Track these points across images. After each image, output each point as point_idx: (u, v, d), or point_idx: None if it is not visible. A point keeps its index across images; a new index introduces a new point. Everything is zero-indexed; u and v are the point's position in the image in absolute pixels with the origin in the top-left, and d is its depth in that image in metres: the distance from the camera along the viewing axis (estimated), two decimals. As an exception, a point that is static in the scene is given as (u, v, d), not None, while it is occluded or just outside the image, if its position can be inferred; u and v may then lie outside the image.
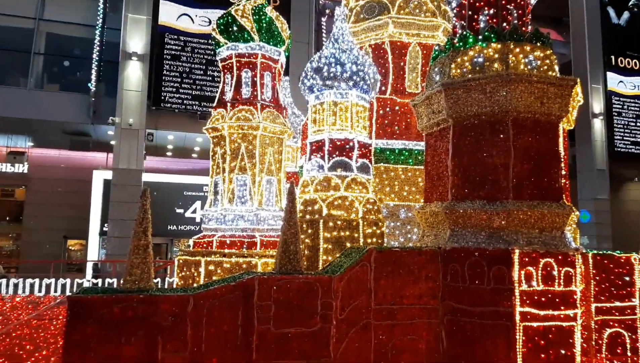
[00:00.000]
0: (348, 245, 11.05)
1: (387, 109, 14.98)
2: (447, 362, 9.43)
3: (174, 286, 16.20)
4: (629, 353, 10.33)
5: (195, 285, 11.17)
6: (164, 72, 28.82)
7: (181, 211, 29.91)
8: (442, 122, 10.92)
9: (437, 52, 11.72)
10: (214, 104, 13.58)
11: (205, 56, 29.27)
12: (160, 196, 28.02)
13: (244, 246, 11.90)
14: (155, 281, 16.54)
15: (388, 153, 14.62)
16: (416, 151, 14.43)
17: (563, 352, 8.85)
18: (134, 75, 27.39)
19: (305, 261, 11.02)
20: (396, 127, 14.80)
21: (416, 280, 9.70)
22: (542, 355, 8.78)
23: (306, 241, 11.27)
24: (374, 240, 11.59)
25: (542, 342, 8.81)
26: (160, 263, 26.78)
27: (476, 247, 9.55)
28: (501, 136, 9.98)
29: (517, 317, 8.83)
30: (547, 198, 9.68)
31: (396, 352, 9.26)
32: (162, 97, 28.62)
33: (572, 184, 41.68)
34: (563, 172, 10.11)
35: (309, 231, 11.29)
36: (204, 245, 12.24)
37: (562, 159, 10.12)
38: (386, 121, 14.96)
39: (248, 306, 8.34)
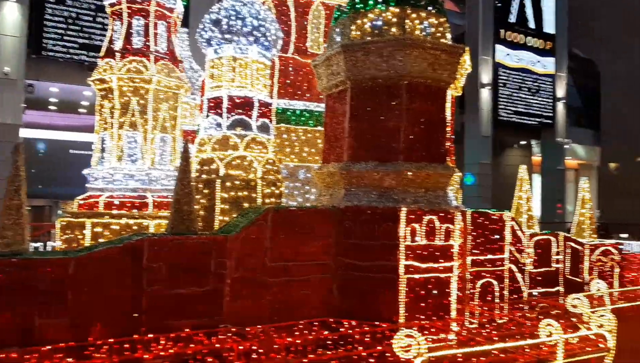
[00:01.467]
0: (246, 205, 10.98)
1: (289, 68, 14.82)
2: (340, 316, 9.90)
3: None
4: (497, 300, 11.61)
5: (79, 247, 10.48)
6: (46, 16, 25.85)
7: (67, 171, 27.65)
8: (340, 84, 11.04)
9: (338, 13, 11.71)
10: (101, 54, 12.48)
11: (94, 0, 26.68)
12: (43, 154, 25.62)
13: (135, 207, 11.34)
14: (35, 245, 15.28)
15: (289, 113, 14.57)
16: (317, 113, 14.54)
17: (441, 300, 9.68)
18: (10, 17, 24.21)
19: (201, 222, 10.79)
20: (298, 88, 14.74)
21: (312, 238, 9.94)
22: (422, 304, 9.53)
23: (202, 202, 11.01)
24: (272, 200, 11.63)
25: (423, 292, 9.56)
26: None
27: (368, 206, 9.97)
28: (396, 100, 10.33)
29: (402, 270, 9.45)
30: (433, 159, 10.30)
31: (291, 307, 9.52)
32: (44, 45, 25.75)
33: (459, 149, 44.81)
34: (448, 136, 10.79)
35: (205, 191, 11.02)
36: (90, 206, 11.46)
37: (448, 124, 10.79)
38: (288, 81, 14.83)
39: (137, 268, 8.01)
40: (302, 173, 14.12)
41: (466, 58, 11.50)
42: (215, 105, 11.76)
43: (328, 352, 7.62)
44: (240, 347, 7.39)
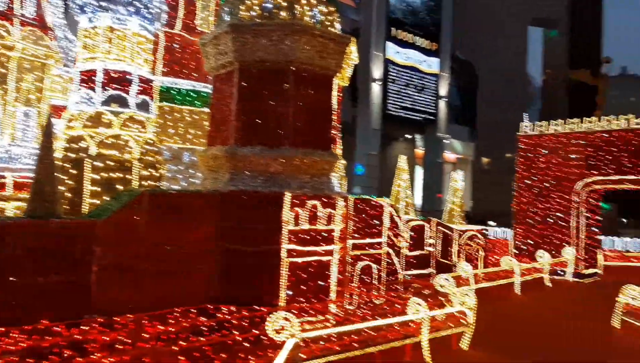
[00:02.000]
0: (120, 188, 10.25)
1: (176, 45, 14.08)
2: (221, 302, 9.67)
3: None
4: (375, 282, 12.19)
5: None
6: None
7: None
8: (228, 65, 10.71)
9: (228, -8, 11.31)
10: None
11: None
12: None
13: (-11, 187, 10.05)
14: None
15: (174, 92, 13.87)
16: (204, 93, 14.02)
17: (321, 283, 9.90)
18: None
19: (67, 205, 9.86)
20: (184, 66, 14.07)
21: (193, 224, 9.56)
22: (303, 287, 9.67)
23: (69, 183, 10.06)
24: (151, 183, 11.00)
25: (304, 275, 9.69)
26: None
27: (253, 190, 9.84)
28: (283, 85, 10.26)
29: (284, 254, 9.49)
30: (319, 146, 10.45)
31: (168, 295, 9.09)
32: None
33: (352, 141, 46.06)
34: (334, 124, 11.01)
35: (74, 171, 10.08)
36: None
37: (335, 112, 11.00)
38: (174, 58, 14.08)
39: (-15, 255, 7.08)
40: (187, 155, 13.55)
41: (353, 49, 11.80)
42: (88, 78, 10.77)
43: (202, 339, 7.39)
44: (106, 338, 6.88)
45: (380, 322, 8.35)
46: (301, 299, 9.68)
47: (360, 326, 7.99)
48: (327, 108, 10.72)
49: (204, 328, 8.04)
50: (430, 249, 14.97)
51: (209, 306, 9.10)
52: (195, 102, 13.91)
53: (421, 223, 14.68)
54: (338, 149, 13.53)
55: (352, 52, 11.96)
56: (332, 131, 10.86)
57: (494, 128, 57.29)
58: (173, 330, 7.73)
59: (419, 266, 14.40)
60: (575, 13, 70.95)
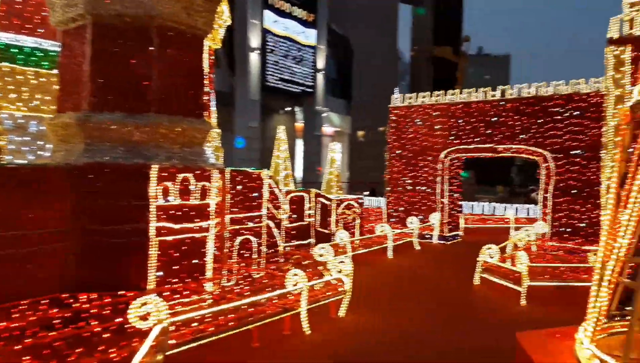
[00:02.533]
0: (-57, 161, 8.46)
1: (13, -6, 11.95)
2: (78, 289, 8.56)
3: None
4: (254, 256, 11.84)
5: None
6: None
7: None
8: (79, 19, 9.28)
9: None
10: None
11: None
12: None
13: None
14: None
15: (15, 50, 11.82)
16: (53, 52, 12.15)
17: (196, 261, 9.27)
18: None
19: None
20: (27, 20, 12.03)
21: (41, 202, 8.23)
22: (176, 267, 8.97)
23: None
24: (-14, 155, 9.27)
25: (177, 254, 8.98)
26: None
27: (113, 162, 8.75)
28: (146, 44, 9.18)
29: (152, 232, 8.65)
30: (189, 113, 9.62)
31: (12, 285, 7.78)
32: None
33: (230, 113, 44.59)
34: (206, 89, 10.23)
35: None
36: None
37: (206, 77, 10.21)
38: (13, 10, 11.96)
39: None
40: (34, 125, 11.74)
41: (225, 8, 11.02)
42: None
43: (52, 333, 6.41)
44: None
45: (257, 297, 8.03)
46: (174, 280, 8.97)
47: (235, 304, 7.57)
48: (197, 71, 9.88)
49: (56, 321, 6.99)
50: (310, 219, 15.00)
51: (63, 295, 7.99)
52: (42, 62, 12.03)
53: (301, 194, 14.60)
54: (213, 118, 12.74)
55: (224, 12, 11.15)
56: (203, 97, 10.08)
57: (368, 102, 59.69)
58: (17, 325, 6.59)
59: (299, 237, 14.37)
60: (439, -5, 75.83)
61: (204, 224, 9.47)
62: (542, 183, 17.82)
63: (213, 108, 12.41)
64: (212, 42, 10.74)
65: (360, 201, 17.77)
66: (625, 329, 5.64)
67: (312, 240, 14.94)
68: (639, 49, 10.32)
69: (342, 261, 9.87)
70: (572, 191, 16.84)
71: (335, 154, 17.14)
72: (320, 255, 11.49)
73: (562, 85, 17.21)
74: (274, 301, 8.17)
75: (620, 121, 6.31)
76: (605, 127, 10.80)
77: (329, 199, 15.90)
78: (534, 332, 7.10)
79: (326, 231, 15.67)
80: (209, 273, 9.54)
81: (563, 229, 16.95)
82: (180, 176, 9.11)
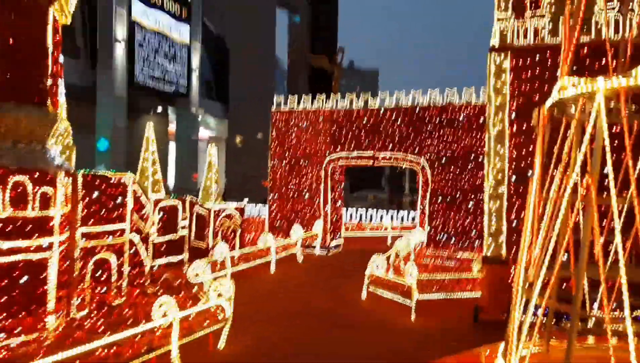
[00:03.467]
0: None
1: None
2: None
3: None
4: (114, 278, 9.85)
5: None
6: None
7: None
8: None
9: None
10: None
11: None
12: None
13: None
14: None
15: None
16: None
17: (34, 289, 7.21)
18: None
19: None
20: None
21: None
22: (5, 298, 6.85)
23: None
24: None
25: (6, 282, 6.87)
26: None
27: None
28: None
29: (-35, 257, 6.48)
30: (25, 100, 7.54)
31: None
32: None
33: (91, 109, 40.05)
34: (50, 71, 8.15)
35: None
36: None
37: (51, 56, 8.14)
38: None
39: None
40: None
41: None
42: None
43: None
44: None
45: (115, 336, 6.34)
46: (2, 315, 6.85)
47: (83, 349, 5.82)
48: (38, 47, 7.81)
49: None
50: (184, 232, 13.27)
51: None
52: None
53: (173, 203, 12.81)
54: (61, 109, 10.45)
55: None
56: (46, 81, 8.01)
57: (246, 106, 58.26)
58: None
59: (171, 253, 12.56)
60: (315, 5, 77.52)
61: (44, 241, 7.44)
62: (420, 191, 18.18)
63: (62, 98, 10.15)
64: (60, 14, 8.64)
65: (241, 209, 16.43)
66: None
67: (186, 256, 13.23)
68: (518, 58, 10.65)
69: (221, 284, 8.49)
70: (447, 199, 17.38)
71: (212, 158, 15.59)
72: (196, 275, 9.97)
73: (437, 95, 17.74)
74: (137, 339, 6.53)
75: (538, 121, 5.95)
76: (487, 135, 10.96)
77: (206, 209, 14.32)
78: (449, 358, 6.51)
79: (203, 245, 14.05)
80: (51, 304, 7.53)
81: (439, 236, 17.41)
82: (12, 179, 7.03)
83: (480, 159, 16.92)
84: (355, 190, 51.43)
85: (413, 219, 28.09)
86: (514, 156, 10.67)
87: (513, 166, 10.67)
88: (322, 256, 18.42)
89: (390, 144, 18.15)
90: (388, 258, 13.15)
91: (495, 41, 10.95)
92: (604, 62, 10.17)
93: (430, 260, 16.03)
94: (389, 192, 62.77)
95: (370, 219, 28.94)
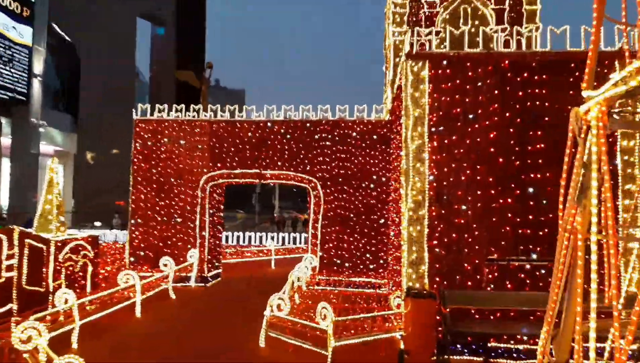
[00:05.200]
0: None
1: None
2: None
3: None
4: None
5: None
6: None
7: None
8: None
9: None
10: None
11: None
12: None
13: None
14: None
15: None
16: None
17: None
18: None
19: None
20: None
21: None
22: None
23: None
24: None
25: None
26: None
27: None
28: None
29: None
30: None
31: None
32: None
33: None
34: None
35: None
36: None
37: None
38: None
39: None
40: None
41: None
42: None
43: None
44: None
45: None
46: None
47: None
48: None
49: None
50: (11, 274, 9.66)
51: None
52: None
53: (-7, 234, 9.21)
54: None
55: None
56: None
57: (100, 119, 51.97)
58: None
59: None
60: (181, 18, 73.70)
61: None
62: (311, 212, 16.49)
63: None
64: None
65: (94, 239, 13.00)
66: None
67: (14, 307, 9.62)
68: (437, 67, 9.58)
69: (69, 360, 5.62)
70: (340, 220, 15.95)
71: (54, 174, 12.01)
72: (26, 341, 6.80)
73: (328, 110, 16.39)
74: None
75: (577, 126, 4.39)
76: (404, 151, 9.64)
77: (46, 242, 10.79)
78: None
79: (40, 289, 10.48)
80: None
81: (332, 261, 15.85)
82: None
83: (374, 178, 15.87)
84: (224, 209, 48.38)
85: (294, 240, 26.53)
86: (435, 174, 9.46)
87: (434, 186, 9.45)
88: (200, 289, 15.63)
89: (279, 161, 16.24)
90: (292, 297, 11.08)
91: (412, 46, 9.74)
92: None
93: (325, 288, 14.34)
94: (259, 211, 60.76)
95: (249, 242, 26.63)
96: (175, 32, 73.50)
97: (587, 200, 3.64)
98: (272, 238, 25.24)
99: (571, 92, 9.43)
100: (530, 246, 9.33)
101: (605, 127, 3.46)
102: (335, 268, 15.78)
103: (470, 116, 9.51)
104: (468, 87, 9.54)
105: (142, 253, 16.40)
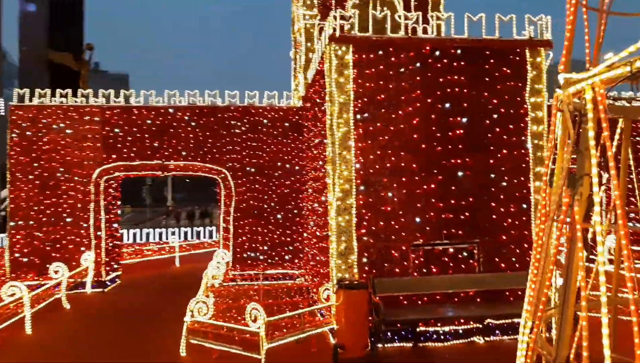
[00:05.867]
0: None
1: None
2: None
3: None
4: None
5: None
6: None
7: None
8: None
9: None
10: None
11: None
12: None
13: None
14: None
15: None
16: None
17: None
18: None
19: None
20: None
21: None
22: None
23: None
24: None
25: None
26: None
27: None
28: None
29: None
30: None
31: None
32: None
33: None
34: None
35: None
36: None
37: None
38: None
39: None
40: None
41: None
42: None
43: None
44: None
45: None
46: None
47: None
48: None
49: None
50: None
51: None
52: None
53: None
54: None
55: None
56: None
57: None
58: None
59: None
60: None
61: None
62: (222, 205, 15.56)
63: None
64: None
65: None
66: None
67: None
68: (360, 51, 9.28)
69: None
70: (254, 212, 15.27)
71: None
72: None
73: (236, 97, 15.50)
74: None
75: (569, 110, 4.15)
76: (329, 139, 9.26)
77: None
78: None
79: None
80: None
81: (247, 254, 15.15)
82: None
83: (287, 167, 15.38)
84: (126, 204, 44.94)
85: (198, 235, 25.24)
86: (361, 162, 9.22)
87: (361, 174, 9.22)
88: (97, 295, 14.04)
89: (184, 151, 15.03)
90: (207, 296, 10.23)
91: (336, 29, 9.32)
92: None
93: (243, 283, 13.67)
94: (151, 204, 57.26)
95: (147, 239, 24.80)
96: (47, 9, 66.32)
97: (583, 188, 3.53)
98: (174, 233, 23.68)
99: (487, 78, 9.75)
100: (453, 230, 9.53)
101: (605, 111, 3.34)
102: (249, 262, 15.09)
103: (394, 103, 9.40)
104: (391, 73, 9.40)
105: (25, 259, 14.29)
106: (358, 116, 9.25)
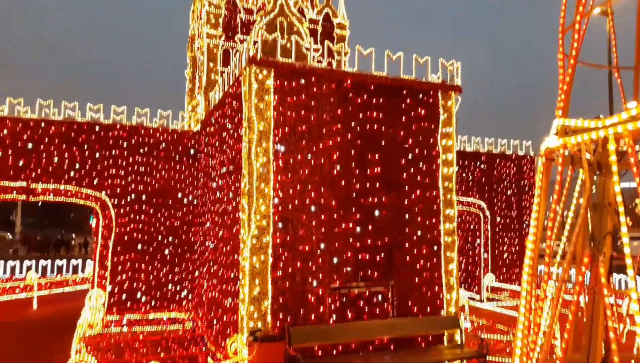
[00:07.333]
0: None
1: None
2: None
3: None
4: None
5: None
6: None
7: None
8: None
9: None
10: None
11: None
12: None
13: None
14: None
15: None
16: None
17: None
18: None
19: None
20: None
21: None
22: None
23: None
24: None
25: None
26: None
27: None
28: None
29: None
30: None
31: None
32: None
33: None
34: None
35: None
36: None
37: None
38: None
39: None
40: None
41: None
42: None
43: None
44: None
45: None
46: None
47: None
48: None
49: None
50: None
51: None
52: None
53: None
54: None
55: None
56: None
57: None
58: None
59: None
60: None
61: None
62: (100, 238, 13.45)
63: None
64: None
65: None
66: None
67: None
68: (282, 77, 8.57)
69: None
70: (137, 246, 13.45)
71: None
72: None
73: (123, 113, 13.75)
74: None
75: (587, 159, 3.70)
76: (246, 170, 8.31)
77: None
78: None
79: None
80: None
81: (127, 295, 13.19)
82: None
83: (179, 196, 13.91)
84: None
85: (60, 270, 21.84)
86: (280, 197, 8.40)
87: (279, 210, 8.38)
88: None
89: (57, 173, 12.80)
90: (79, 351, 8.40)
91: (257, 51, 8.54)
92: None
93: (122, 330, 11.76)
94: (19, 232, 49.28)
95: (5, 272, 20.78)
96: None
97: (607, 247, 3.19)
98: (30, 267, 20.17)
99: (403, 117, 9.68)
100: (369, 271, 9.10)
101: (638, 163, 3.04)
102: (129, 304, 13.16)
103: (315, 135, 8.83)
104: (313, 103, 8.86)
105: None
106: (278, 146, 8.49)
